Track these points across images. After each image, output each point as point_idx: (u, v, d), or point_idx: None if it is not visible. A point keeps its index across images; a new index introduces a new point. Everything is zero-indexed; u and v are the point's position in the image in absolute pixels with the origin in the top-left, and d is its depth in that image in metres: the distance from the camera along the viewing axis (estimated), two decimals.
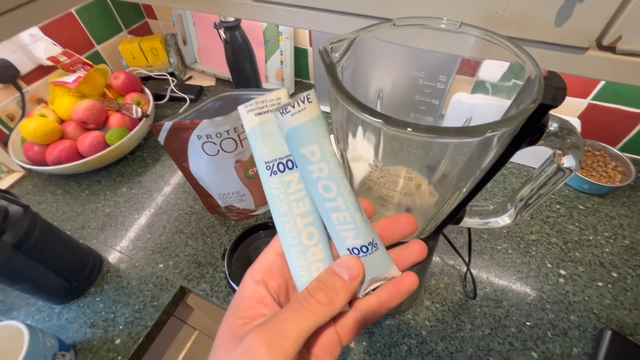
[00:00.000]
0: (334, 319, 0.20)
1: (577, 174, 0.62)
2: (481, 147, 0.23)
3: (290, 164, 0.18)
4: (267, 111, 0.18)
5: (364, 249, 0.18)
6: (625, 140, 0.68)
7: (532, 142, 0.23)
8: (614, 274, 0.53)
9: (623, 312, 0.49)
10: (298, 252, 0.19)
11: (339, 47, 0.27)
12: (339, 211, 0.18)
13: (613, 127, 0.67)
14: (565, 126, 0.23)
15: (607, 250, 0.56)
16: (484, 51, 0.31)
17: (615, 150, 0.65)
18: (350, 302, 0.20)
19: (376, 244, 0.19)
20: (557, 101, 0.20)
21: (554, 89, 0.21)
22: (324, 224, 0.19)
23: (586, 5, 0.28)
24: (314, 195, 0.18)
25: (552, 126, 0.22)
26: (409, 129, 0.19)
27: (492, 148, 0.22)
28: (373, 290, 0.20)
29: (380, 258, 0.19)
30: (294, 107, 0.16)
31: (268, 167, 0.18)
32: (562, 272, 0.54)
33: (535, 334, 0.48)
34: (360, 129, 0.26)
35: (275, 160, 0.18)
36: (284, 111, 0.16)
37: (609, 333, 0.46)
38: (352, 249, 0.18)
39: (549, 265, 0.55)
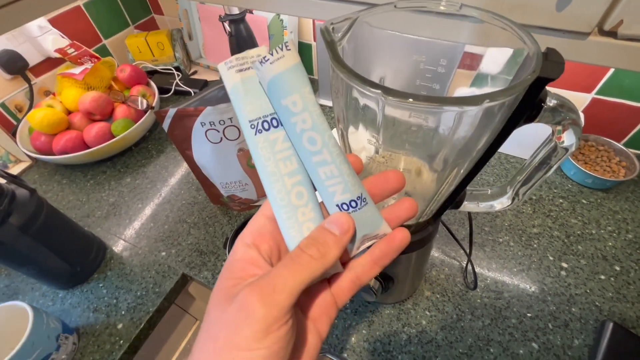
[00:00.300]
0: (329, 280, 0.20)
1: (581, 168, 0.62)
2: (484, 118, 0.23)
3: (275, 122, 0.18)
4: (249, 67, 0.17)
5: (353, 204, 0.18)
6: (629, 135, 0.67)
7: (530, 119, 0.23)
8: (617, 268, 0.53)
9: (625, 305, 0.49)
10: (288, 212, 0.18)
11: (340, 28, 0.28)
12: (325, 165, 0.18)
13: (617, 122, 0.66)
14: (564, 103, 0.23)
15: (610, 244, 0.56)
16: (481, 36, 0.31)
17: (619, 145, 0.64)
18: (344, 263, 0.20)
19: (365, 198, 0.19)
20: (555, 74, 0.20)
21: (553, 63, 0.21)
22: (312, 183, 0.19)
23: None
24: (300, 150, 0.18)
25: (551, 102, 0.23)
26: (410, 100, 0.20)
27: (493, 119, 0.22)
28: (367, 248, 0.20)
29: (371, 214, 0.19)
30: (272, 54, 0.16)
31: (252, 126, 0.18)
32: (564, 265, 0.54)
33: (536, 325, 0.48)
34: (360, 114, 0.26)
35: (260, 118, 0.18)
36: (263, 60, 0.16)
37: (610, 325, 0.45)
38: (342, 204, 0.18)
39: (551, 258, 0.55)
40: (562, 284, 0.52)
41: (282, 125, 0.18)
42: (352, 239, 0.19)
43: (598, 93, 0.65)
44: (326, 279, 0.20)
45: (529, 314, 0.49)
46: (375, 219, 0.19)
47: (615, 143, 0.65)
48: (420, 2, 0.29)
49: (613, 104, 0.65)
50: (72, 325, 0.51)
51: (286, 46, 0.16)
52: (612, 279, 0.52)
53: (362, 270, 0.19)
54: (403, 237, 0.19)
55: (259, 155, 0.18)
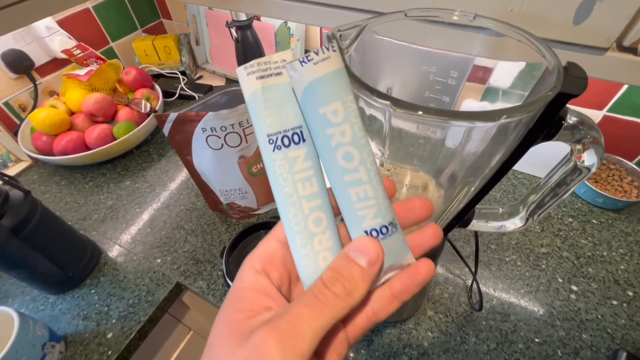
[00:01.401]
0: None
1: (591, 187, 0.60)
2: (498, 135, 0.21)
3: (296, 138, 0.16)
4: (271, 74, 0.15)
5: (384, 230, 0.16)
6: None
7: (549, 136, 0.22)
8: (630, 293, 0.51)
9: (639, 334, 0.47)
10: (303, 239, 0.16)
11: (348, 35, 0.27)
12: (359, 184, 0.16)
13: (630, 140, 0.65)
14: (585, 121, 0.21)
15: (622, 267, 0.54)
16: (496, 50, 0.30)
17: (631, 164, 0.62)
18: None
19: (396, 224, 0.16)
20: (578, 90, 0.19)
21: (574, 79, 0.19)
22: (339, 205, 0.17)
23: (607, 3, 0.27)
24: (329, 168, 0.16)
25: (571, 120, 0.21)
26: (420, 112, 0.18)
27: (508, 137, 0.21)
28: (386, 281, 0.17)
29: (399, 241, 0.17)
30: (317, 54, 0.14)
31: (271, 141, 0.16)
32: (574, 287, 0.52)
33: (544, 352, 0.45)
34: (366, 124, 0.25)
35: (280, 132, 0.16)
36: (305, 60, 0.14)
37: (624, 354, 0.43)
38: (371, 230, 0.16)
39: (560, 280, 0.53)
40: (572, 308, 0.49)
41: (304, 141, 0.16)
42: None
43: (610, 110, 0.63)
44: None
45: (537, 339, 0.47)
46: (403, 247, 0.17)
47: (627, 162, 0.63)
48: (432, 12, 0.28)
49: (625, 122, 0.63)
50: (60, 333, 0.49)
51: (332, 48, 0.14)
52: (624, 304, 0.49)
53: (379, 305, 0.17)
54: (428, 269, 0.17)
55: (276, 174, 0.16)
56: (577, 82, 0.19)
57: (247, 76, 0.15)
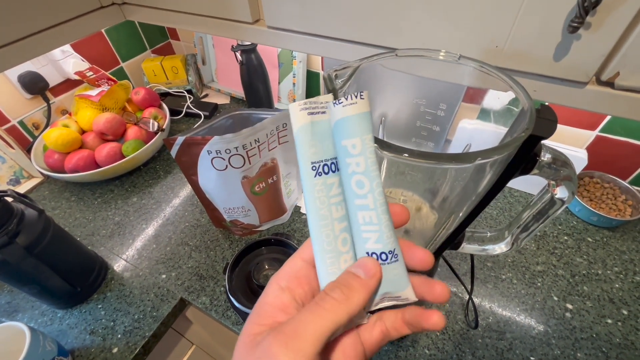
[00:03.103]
0: (359, 329, 0.19)
1: (586, 206, 0.61)
2: (476, 173, 0.24)
3: (333, 167, 0.18)
4: (318, 112, 0.18)
5: (383, 256, 0.18)
6: (635, 173, 0.67)
7: (526, 171, 0.23)
8: (624, 312, 0.51)
9: (634, 353, 0.47)
10: (332, 257, 0.18)
11: (343, 74, 0.29)
12: (366, 209, 0.18)
13: (622, 159, 0.66)
14: (558, 157, 0.23)
15: (617, 285, 0.55)
16: (481, 81, 0.32)
17: (625, 183, 0.64)
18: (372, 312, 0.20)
19: (397, 254, 0.18)
20: (547, 133, 0.21)
21: (545, 122, 0.22)
22: (350, 227, 0.19)
23: (583, 43, 0.29)
24: (346, 191, 0.18)
25: (545, 157, 0.23)
26: (405, 155, 0.20)
27: (486, 174, 0.23)
28: (383, 308, 0.19)
29: (398, 272, 0.18)
30: (347, 99, 0.17)
31: (314, 168, 0.18)
32: (569, 306, 0.53)
33: None
34: None
35: (322, 161, 0.18)
36: (337, 102, 0.17)
37: None
38: (372, 253, 0.18)
39: (555, 298, 0.53)
40: (567, 326, 0.50)
41: (338, 170, 0.18)
42: (375, 291, 0.18)
43: (602, 131, 0.65)
44: (355, 329, 0.20)
45: (532, 358, 0.47)
46: (402, 280, 0.19)
47: (621, 181, 0.64)
48: (421, 52, 0.30)
49: (618, 142, 0.65)
50: (67, 347, 0.51)
51: (360, 96, 0.17)
52: (619, 323, 0.50)
53: (393, 325, 0.19)
54: (438, 322, 0.18)
55: (314, 197, 0.18)
56: (547, 125, 0.21)
57: (299, 111, 0.18)
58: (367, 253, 0.18)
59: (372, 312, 0.20)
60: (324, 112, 0.18)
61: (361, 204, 0.18)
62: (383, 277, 0.18)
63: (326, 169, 0.18)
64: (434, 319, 0.18)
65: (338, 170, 0.19)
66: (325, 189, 0.18)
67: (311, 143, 0.18)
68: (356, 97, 0.17)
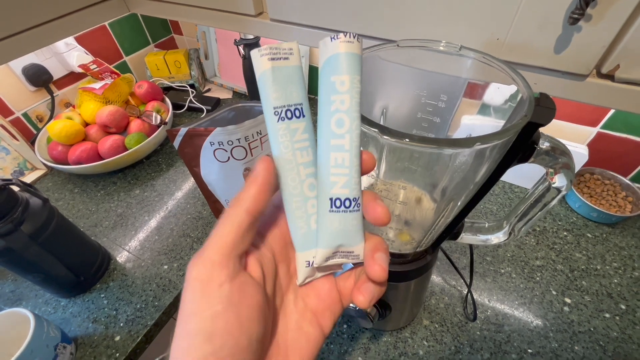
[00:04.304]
0: (337, 279, 0.20)
1: (586, 202, 0.61)
2: (475, 160, 0.24)
3: (297, 113, 0.18)
4: (280, 58, 0.18)
5: (347, 203, 0.18)
6: (636, 170, 0.67)
7: (524, 159, 0.24)
8: (622, 306, 0.52)
9: (631, 347, 0.48)
10: (298, 202, 0.19)
11: None
12: (340, 150, 0.18)
13: (623, 156, 0.66)
14: (557, 146, 0.24)
15: (615, 281, 0.55)
16: (481, 73, 0.32)
17: (625, 180, 0.64)
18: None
19: (359, 204, 0.18)
20: (545, 120, 0.21)
21: (544, 109, 0.22)
22: (317, 171, 0.19)
23: (583, 35, 0.29)
24: (321, 132, 0.18)
25: (544, 145, 0.23)
26: (406, 140, 0.21)
27: (485, 160, 0.23)
28: (336, 265, 0.19)
29: (357, 223, 0.19)
30: (345, 36, 0.17)
31: (276, 113, 0.18)
32: (568, 300, 0.53)
33: None
34: (363, 140, 0.28)
35: (284, 106, 0.18)
36: (335, 37, 0.17)
37: None
38: (335, 199, 0.18)
39: (554, 293, 0.54)
40: (565, 320, 0.51)
41: (303, 116, 0.19)
42: (329, 243, 0.19)
43: (603, 127, 0.65)
44: (332, 275, 0.20)
45: (529, 350, 0.48)
46: (358, 234, 0.19)
47: (621, 177, 0.65)
48: (422, 42, 0.30)
49: (619, 139, 0.65)
50: (71, 335, 0.52)
51: (358, 38, 0.17)
52: (617, 317, 0.51)
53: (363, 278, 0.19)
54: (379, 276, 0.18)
55: (278, 142, 0.18)
56: (546, 112, 0.22)
57: (260, 57, 0.18)
58: (331, 199, 0.18)
59: (324, 270, 0.20)
60: (287, 59, 0.18)
61: (336, 144, 0.18)
62: (341, 227, 0.18)
63: (289, 114, 0.18)
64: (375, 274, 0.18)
65: (304, 116, 0.19)
66: (288, 134, 0.18)
67: (273, 88, 0.18)
68: (354, 37, 0.17)
